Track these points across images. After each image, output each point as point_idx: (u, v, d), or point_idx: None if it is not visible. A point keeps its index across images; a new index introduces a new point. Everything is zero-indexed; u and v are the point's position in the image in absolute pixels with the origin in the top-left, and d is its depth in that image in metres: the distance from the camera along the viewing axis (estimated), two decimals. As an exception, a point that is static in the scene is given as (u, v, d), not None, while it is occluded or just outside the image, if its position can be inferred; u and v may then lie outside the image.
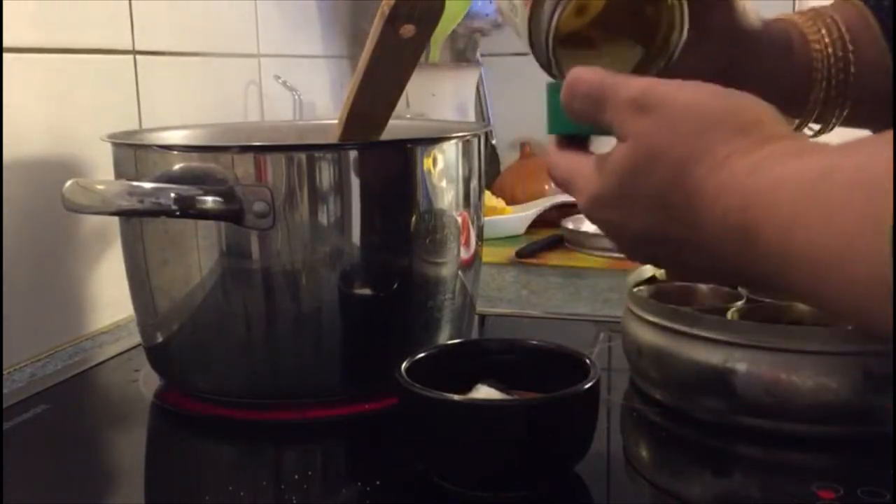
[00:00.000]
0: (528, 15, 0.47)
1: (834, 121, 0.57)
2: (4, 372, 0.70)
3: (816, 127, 0.58)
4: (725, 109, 0.39)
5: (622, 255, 0.46)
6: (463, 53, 1.53)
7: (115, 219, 0.65)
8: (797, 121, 0.58)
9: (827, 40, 0.55)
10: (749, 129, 0.38)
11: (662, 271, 0.69)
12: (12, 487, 0.50)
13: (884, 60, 0.55)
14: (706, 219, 0.38)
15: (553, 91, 0.45)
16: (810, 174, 0.34)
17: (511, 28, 0.51)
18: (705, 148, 0.38)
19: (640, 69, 0.48)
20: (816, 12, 0.57)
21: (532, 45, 0.48)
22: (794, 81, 0.56)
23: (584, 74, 0.43)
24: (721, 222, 0.37)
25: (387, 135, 0.63)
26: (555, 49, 0.46)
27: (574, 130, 0.46)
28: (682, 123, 0.39)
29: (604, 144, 0.44)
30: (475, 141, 0.66)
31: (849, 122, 0.57)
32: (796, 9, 1.32)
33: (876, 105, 0.55)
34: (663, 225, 0.41)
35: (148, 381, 0.67)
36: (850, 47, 0.55)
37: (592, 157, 0.44)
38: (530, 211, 1.25)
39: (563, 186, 0.46)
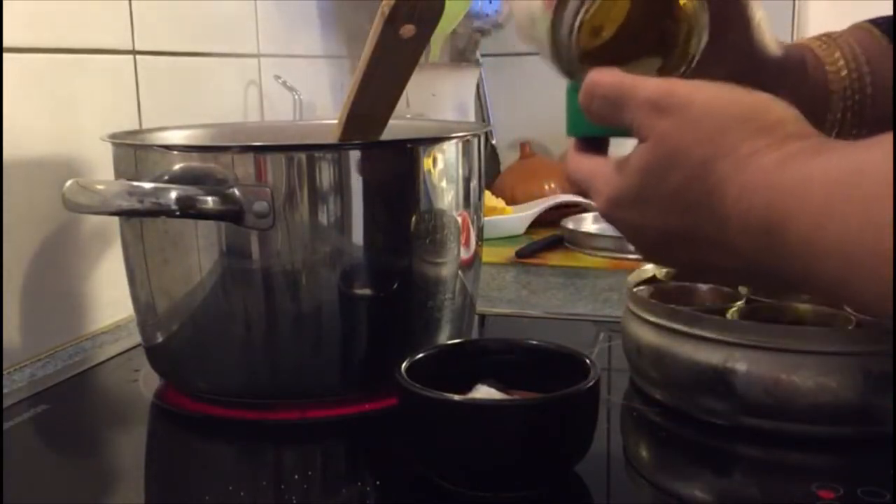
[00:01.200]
0: (549, 23, 0.46)
1: None
2: (4, 372, 0.70)
3: None
4: (748, 108, 0.39)
5: (624, 255, 0.46)
6: (463, 53, 1.53)
7: (115, 219, 0.65)
8: None
9: (842, 63, 0.55)
10: (772, 127, 0.38)
11: (665, 270, 0.69)
12: (12, 487, 0.50)
13: None
14: (728, 217, 0.38)
15: (573, 92, 0.45)
16: (841, 168, 0.34)
17: (529, 40, 0.50)
18: (729, 147, 0.38)
19: (659, 76, 0.48)
20: (830, 37, 0.57)
21: (554, 50, 0.47)
22: (810, 104, 0.56)
23: (602, 77, 0.43)
24: (744, 220, 0.37)
25: (387, 135, 0.63)
26: (577, 58, 0.46)
27: (594, 132, 0.46)
28: (704, 123, 0.39)
29: (624, 149, 0.44)
30: (475, 141, 0.66)
31: None
32: (795, 20, 1.33)
33: (892, 126, 0.55)
34: (684, 225, 0.40)
35: (148, 381, 0.67)
36: (866, 69, 0.55)
37: (612, 159, 0.44)
38: (530, 211, 1.25)
39: (582, 188, 0.46)
